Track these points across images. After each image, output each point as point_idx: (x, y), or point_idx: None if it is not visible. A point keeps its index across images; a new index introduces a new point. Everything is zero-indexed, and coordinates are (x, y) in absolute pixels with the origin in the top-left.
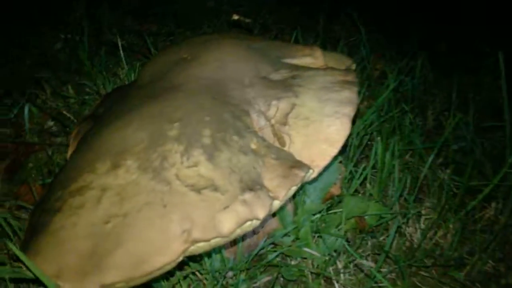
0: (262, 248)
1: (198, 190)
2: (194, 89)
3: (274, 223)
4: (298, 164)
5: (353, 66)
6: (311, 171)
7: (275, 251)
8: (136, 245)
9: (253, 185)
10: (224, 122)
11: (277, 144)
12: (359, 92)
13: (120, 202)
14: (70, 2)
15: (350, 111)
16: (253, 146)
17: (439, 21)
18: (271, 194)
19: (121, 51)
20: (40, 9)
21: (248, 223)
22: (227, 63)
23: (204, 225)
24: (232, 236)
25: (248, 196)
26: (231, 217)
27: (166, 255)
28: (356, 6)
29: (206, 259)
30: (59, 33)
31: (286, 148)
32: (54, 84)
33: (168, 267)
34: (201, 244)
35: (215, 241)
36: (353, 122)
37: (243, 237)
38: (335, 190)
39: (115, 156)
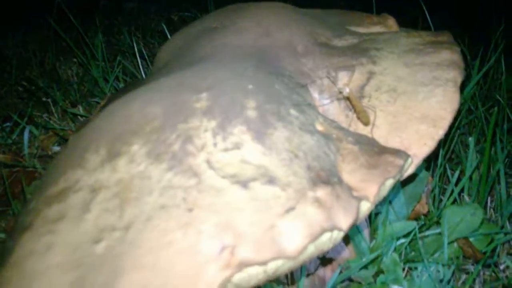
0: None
1: (243, 183)
2: (227, 57)
3: (341, 249)
4: (389, 150)
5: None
6: (410, 159)
7: None
8: (144, 276)
9: (328, 177)
10: (275, 93)
11: (354, 126)
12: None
13: (120, 207)
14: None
15: (455, 75)
16: (319, 127)
17: None
18: (354, 193)
19: (137, 57)
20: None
21: (327, 236)
22: (272, 28)
23: (257, 238)
24: (301, 258)
25: (322, 192)
26: (299, 225)
27: None
28: None
29: None
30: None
31: (368, 132)
32: (62, 105)
33: None
34: (253, 270)
35: (275, 266)
36: None
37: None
38: (421, 208)
39: (114, 141)
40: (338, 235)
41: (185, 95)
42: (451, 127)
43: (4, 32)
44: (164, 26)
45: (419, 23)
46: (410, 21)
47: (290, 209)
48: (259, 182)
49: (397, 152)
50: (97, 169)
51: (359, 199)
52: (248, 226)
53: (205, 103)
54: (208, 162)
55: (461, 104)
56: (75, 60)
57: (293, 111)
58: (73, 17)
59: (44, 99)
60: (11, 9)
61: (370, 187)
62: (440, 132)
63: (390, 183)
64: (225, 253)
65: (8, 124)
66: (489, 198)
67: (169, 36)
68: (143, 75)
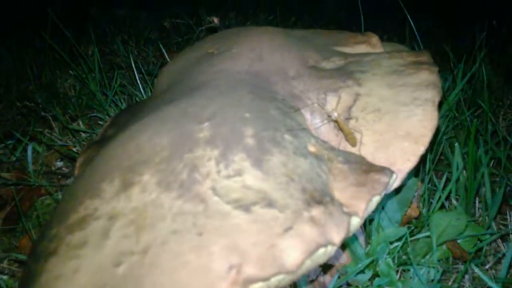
0: None
1: (245, 207)
2: (225, 85)
3: (339, 255)
4: (375, 168)
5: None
6: (394, 176)
7: None
8: None
9: (321, 197)
10: (271, 119)
11: (343, 144)
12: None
13: (136, 233)
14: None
15: (433, 95)
16: (311, 148)
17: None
18: (345, 210)
19: (135, 72)
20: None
21: (321, 250)
22: (265, 53)
23: (260, 256)
24: (299, 272)
25: (316, 212)
26: (296, 243)
27: None
28: None
29: None
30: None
31: (356, 149)
32: (63, 120)
33: None
34: (257, 286)
35: (276, 280)
36: None
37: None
38: (413, 212)
39: (126, 172)
40: (332, 249)
41: (189, 126)
42: (438, 133)
43: None
44: (162, 47)
45: (406, 25)
46: (397, 24)
47: (288, 228)
48: (259, 205)
49: (382, 170)
50: (114, 199)
51: (350, 215)
52: (252, 246)
53: (207, 133)
54: (213, 189)
55: (447, 110)
56: (71, 72)
57: (287, 136)
58: (65, 27)
59: (43, 113)
60: (4, 24)
61: (359, 204)
62: (421, 148)
63: (377, 199)
64: (232, 272)
65: (11, 141)
66: (476, 199)
67: (164, 52)
68: (141, 88)
